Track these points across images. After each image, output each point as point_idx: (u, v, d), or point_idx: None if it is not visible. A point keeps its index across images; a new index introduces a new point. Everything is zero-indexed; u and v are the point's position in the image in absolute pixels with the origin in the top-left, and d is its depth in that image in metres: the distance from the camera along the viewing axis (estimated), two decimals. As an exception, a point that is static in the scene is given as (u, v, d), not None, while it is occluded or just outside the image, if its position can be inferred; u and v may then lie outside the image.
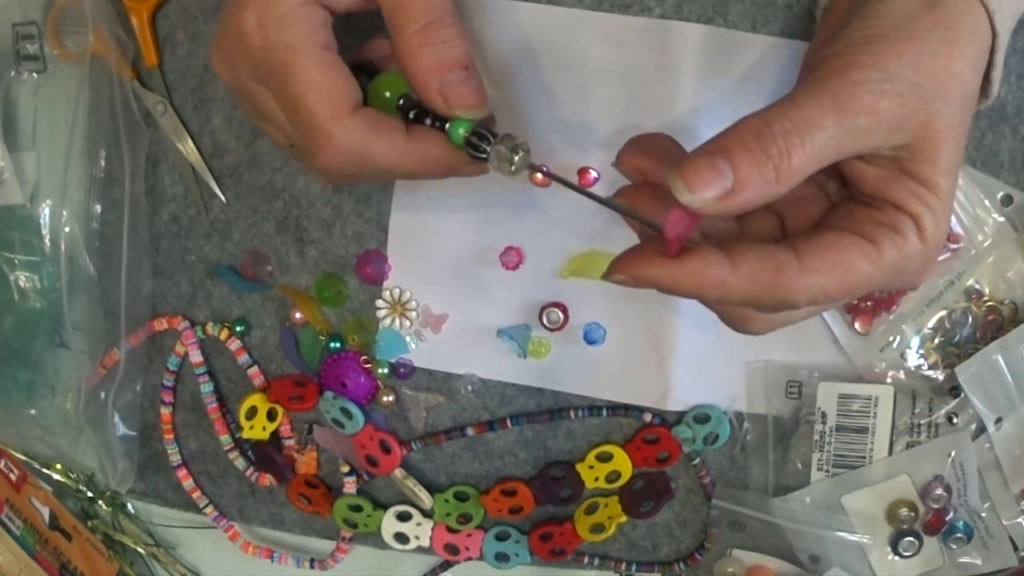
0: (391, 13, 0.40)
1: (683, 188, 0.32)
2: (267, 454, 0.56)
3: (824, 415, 0.51)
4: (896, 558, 0.53)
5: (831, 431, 0.51)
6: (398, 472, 0.55)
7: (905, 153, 0.34)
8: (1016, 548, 0.52)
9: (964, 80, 0.35)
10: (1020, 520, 0.52)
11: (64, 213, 0.54)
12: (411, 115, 0.41)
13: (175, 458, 0.58)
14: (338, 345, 0.54)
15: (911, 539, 0.52)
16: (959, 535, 0.52)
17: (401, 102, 0.42)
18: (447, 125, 0.40)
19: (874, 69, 0.33)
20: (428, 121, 0.41)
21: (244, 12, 0.39)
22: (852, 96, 0.33)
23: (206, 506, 0.59)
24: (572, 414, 0.53)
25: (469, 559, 0.57)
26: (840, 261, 0.33)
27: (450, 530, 0.56)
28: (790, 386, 0.51)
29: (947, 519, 0.52)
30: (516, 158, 0.39)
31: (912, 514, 0.52)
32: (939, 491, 0.51)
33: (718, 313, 0.39)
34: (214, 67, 0.42)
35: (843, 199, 0.37)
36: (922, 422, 0.51)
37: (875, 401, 0.50)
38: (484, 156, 0.40)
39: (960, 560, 0.53)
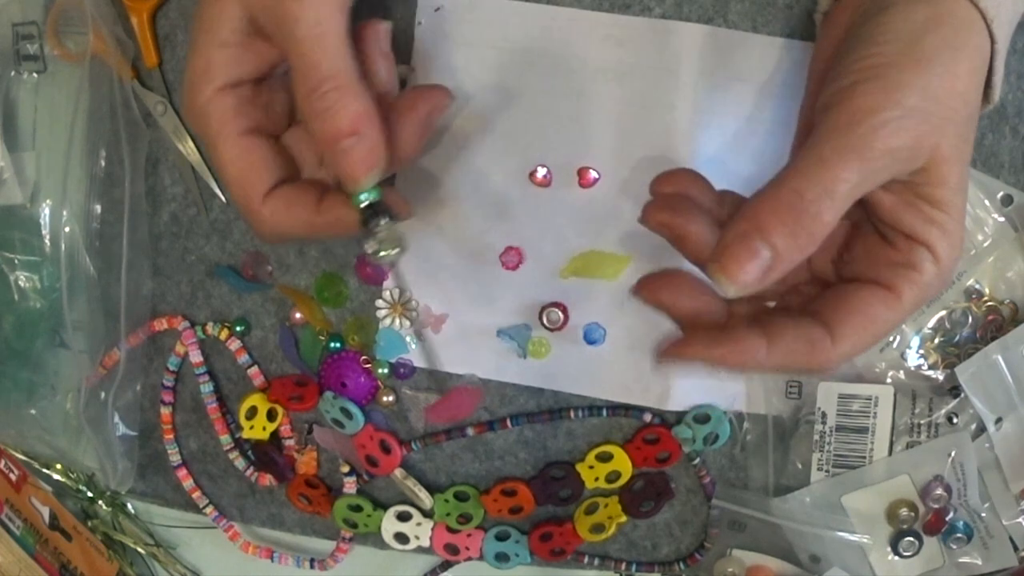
0: (294, 73, 0.39)
1: (727, 282, 0.33)
2: (267, 454, 0.56)
3: (824, 415, 0.51)
4: (896, 558, 0.53)
5: (831, 431, 0.51)
6: (398, 472, 0.55)
7: (918, 178, 0.35)
8: (1016, 548, 0.52)
9: (968, 98, 0.35)
10: (1020, 520, 0.52)
11: (64, 213, 0.54)
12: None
13: (175, 458, 0.58)
14: (338, 345, 0.54)
15: (911, 539, 0.52)
16: (959, 535, 0.52)
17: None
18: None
19: (889, 108, 0.33)
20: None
21: (183, 98, 0.41)
22: (873, 142, 0.33)
23: (206, 506, 0.59)
24: (572, 414, 0.53)
25: (469, 559, 0.57)
26: (867, 321, 0.35)
27: (450, 530, 0.56)
28: (790, 386, 0.51)
29: (947, 519, 0.52)
30: (380, 254, 0.40)
31: (912, 514, 0.52)
32: (939, 491, 0.51)
33: None
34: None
35: (862, 231, 0.38)
36: (922, 422, 0.51)
37: (875, 401, 0.50)
38: (368, 230, 0.40)
39: (960, 560, 0.53)
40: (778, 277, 0.33)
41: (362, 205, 0.40)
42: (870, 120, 0.33)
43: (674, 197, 0.39)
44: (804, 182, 0.33)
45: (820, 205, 0.32)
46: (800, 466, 0.52)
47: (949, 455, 0.51)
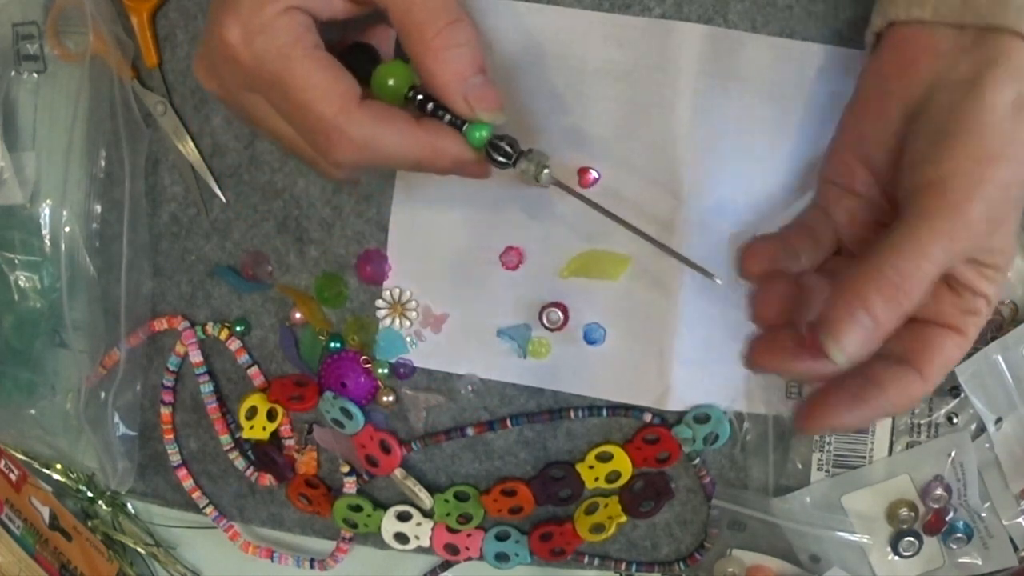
0: (402, 15, 0.39)
1: (839, 351, 0.36)
2: (267, 454, 0.56)
3: None
4: (896, 558, 0.53)
5: (831, 431, 0.51)
6: (398, 472, 0.55)
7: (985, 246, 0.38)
8: (1016, 548, 0.52)
9: None
10: (1020, 520, 0.52)
11: (64, 213, 0.54)
12: (428, 108, 0.42)
13: (175, 458, 0.58)
14: (338, 345, 0.54)
15: (911, 539, 0.52)
16: (959, 535, 0.52)
17: (411, 93, 0.42)
18: (465, 126, 0.41)
19: (982, 202, 0.36)
20: (446, 118, 0.41)
21: (228, 26, 0.39)
22: (962, 230, 0.36)
23: (206, 506, 0.59)
24: (572, 414, 0.53)
25: (469, 559, 0.57)
26: (947, 361, 0.40)
27: (450, 530, 0.56)
28: (790, 386, 0.51)
29: (947, 519, 0.52)
30: (543, 174, 0.42)
31: (912, 514, 0.52)
32: (939, 491, 0.51)
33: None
34: (199, 79, 0.42)
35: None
36: (922, 422, 0.51)
37: None
38: (506, 162, 0.42)
39: (960, 560, 0.53)
40: (877, 345, 0.37)
41: (489, 139, 0.41)
42: (961, 213, 0.36)
43: (774, 338, 0.42)
44: (902, 261, 0.36)
45: (915, 281, 0.36)
46: (800, 466, 0.52)
47: (949, 455, 0.51)
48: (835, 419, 0.40)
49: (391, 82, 0.42)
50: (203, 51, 0.42)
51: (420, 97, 0.42)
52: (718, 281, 0.43)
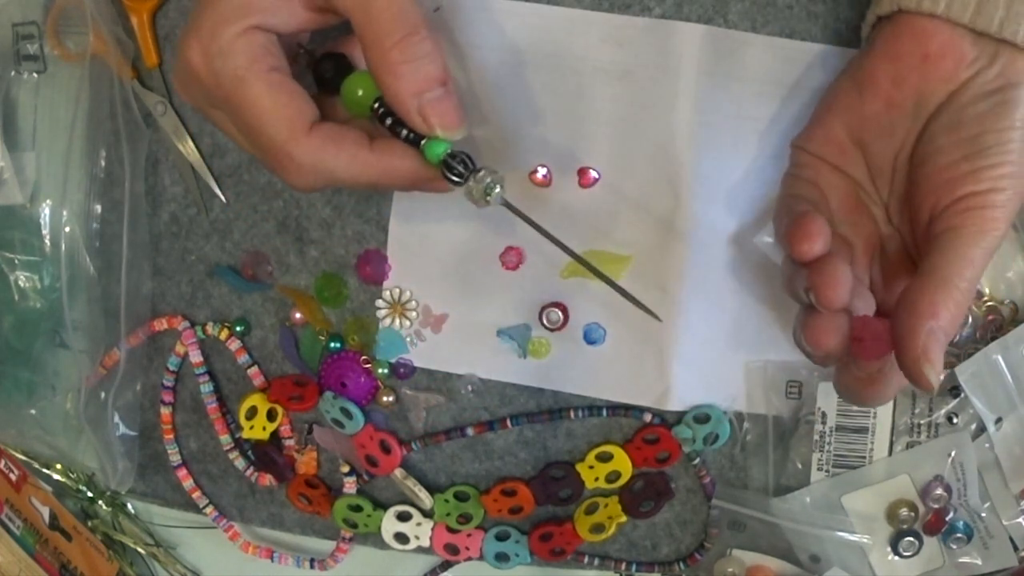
0: (363, 26, 0.39)
1: (934, 374, 0.37)
2: (267, 454, 0.56)
3: (824, 415, 0.51)
4: (896, 558, 0.53)
5: (831, 431, 0.51)
6: (398, 472, 0.55)
7: None
8: (1016, 548, 0.52)
9: None
10: (1020, 520, 0.52)
11: (64, 213, 0.54)
12: (387, 122, 0.41)
13: (175, 458, 0.58)
14: (338, 345, 0.54)
15: (911, 539, 0.52)
16: (959, 535, 0.52)
17: (376, 105, 0.42)
18: (423, 142, 0.40)
19: (1015, 214, 0.39)
20: (404, 133, 0.41)
21: (189, 46, 0.39)
22: (998, 237, 0.39)
23: (206, 506, 0.59)
24: (572, 414, 0.53)
25: (469, 559, 0.57)
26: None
27: (450, 530, 0.56)
28: (790, 386, 0.51)
29: (947, 519, 0.52)
30: (493, 193, 0.41)
31: (912, 514, 0.52)
32: (939, 491, 0.51)
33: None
34: (178, 92, 0.43)
35: None
36: (922, 422, 0.51)
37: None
38: (459, 181, 0.40)
39: (960, 560, 0.53)
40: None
41: (446, 154, 0.40)
42: (1000, 228, 0.38)
43: (832, 319, 0.40)
44: (957, 275, 0.38)
45: (969, 291, 0.38)
46: (800, 466, 0.52)
47: (949, 455, 0.51)
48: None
49: (360, 93, 0.42)
50: (175, 66, 0.42)
51: (383, 110, 0.41)
52: (660, 320, 0.44)
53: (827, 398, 0.51)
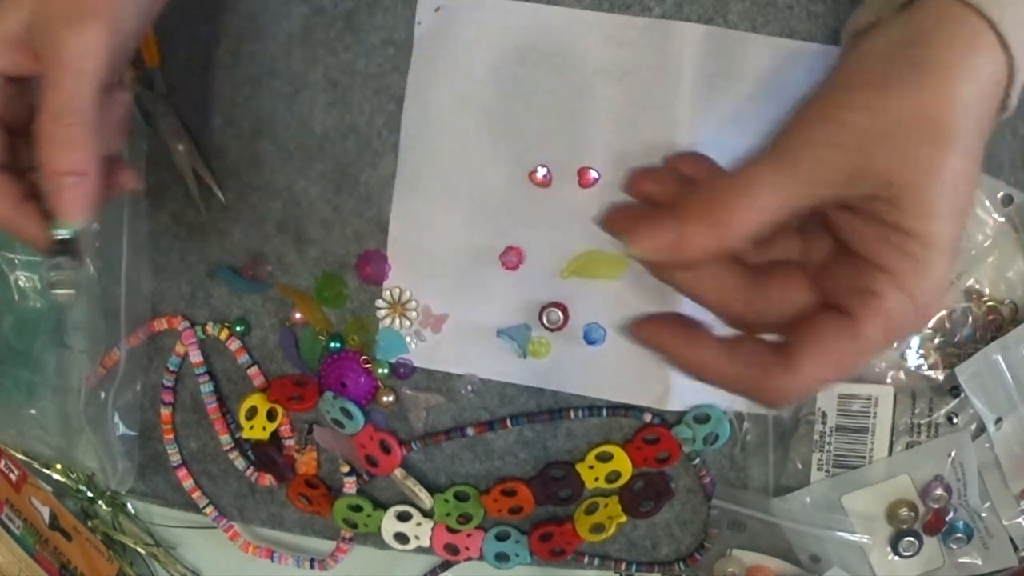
0: (41, 88, 0.40)
1: (628, 241, 0.34)
2: (267, 454, 0.56)
3: (824, 415, 0.51)
4: (896, 558, 0.53)
5: (831, 431, 0.51)
6: (398, 472, 0.55)
7: (880, 205, 0.33)
8: (1016, 548, 0.52)
9: (950, 120, 0.33)
10: (1020, 520, 0.52)
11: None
12: None
13: (175, 458, 0.58)
14: (338, 345, 0.54)
15: (911, 539, 0.52)
16: (959, 535, 0.52)
17: None
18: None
19: (825, 122, 0.33)
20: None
21: None
22: (794, 153, 0.33)
23: (206, 506, 0.59)
24: (572, 414, 0.53)
25: (469, 559, 0.57)
26: (825, 351, 0.33)
27: (450, 530, 0.56)
28: None
29: (947, 519, 0.52)
30: (58, 292, 0.42)
31: (912, 514, 0.52)
32: (939, 491, 0.51)
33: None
34: None
35: (838, 252, 0.36)
36: (922, 422, 0.51)
37: (875, 401, 0.50)
38: (52, 264, 0.42)
39: (960, 560, 0.53)
40: (690, 259, 0.34)
41: (57, 237, 0.41)
42: (803, 133, 0.33)
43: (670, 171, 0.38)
44: (732, 189, 0.33)
45: (733, 199, 0.33)
46: (800, 466, 0.52)
47: (949, 455, 0.51)
48: (656, 337, 0.38)
49: None
50: None
51: None
52: None
53: (827, 398, 0.51)
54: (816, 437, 0.51)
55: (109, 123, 0.43)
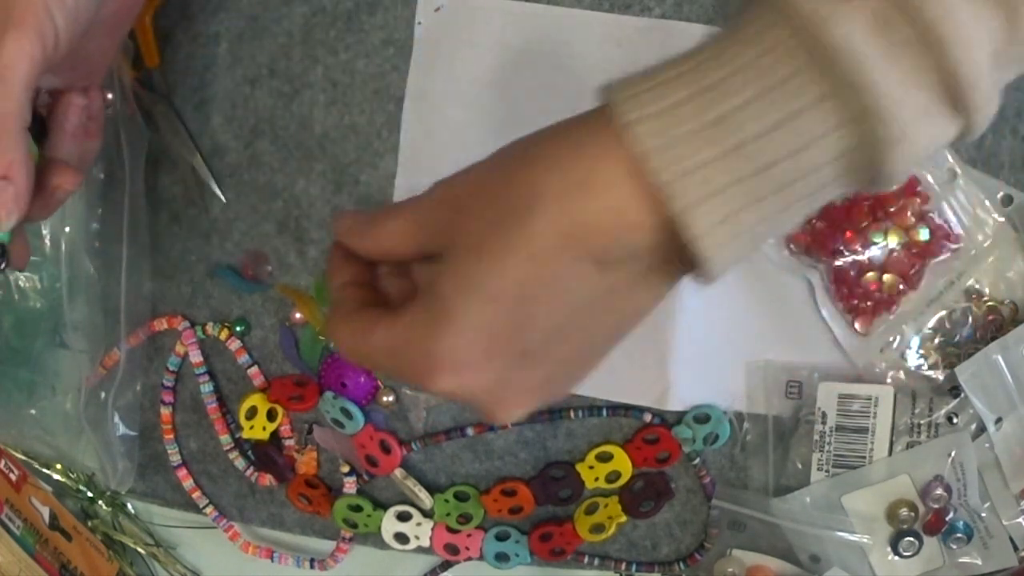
0: None
1: None
2: (267, 454, 0.56)
3: (824, 415, 0.51)
4: (896, 558, 0.53)
5: (831, 431, 0.51)
6: (398, 472, 0.55)
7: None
8: (1016, 548, 0.52)
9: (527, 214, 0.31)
10: (1020, 520, 0.52)
11: (64, 213, 0.54)
12: None
13: (175, 458, 0.58)
14: (338, 345, 0.54)
15: (911, 539, 0.52)
16: (959, 535, 0.52)
17: None
18: None
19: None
20: None
21: None
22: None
23: (206, 506, 0.59)
24: (572, 414, 0.53)
25: (469, 559, 0.57)
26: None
27: (450, 530, 0.56)
28: (790, 386, 0.51)
29: (947, 519, 0.52)
30: None
31: (912, 514, 0.52)
32: (939, 491, 0.51)
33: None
34: None
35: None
36: (922, 422, 0.51)
37: (875, 401, 0.50)
38: None
39: (960, 560, 0.53)
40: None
41: None
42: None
43: None
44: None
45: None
46: (800, 466, 0.52)
47: (949, 455, 0.51)
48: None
49: None
50: None
51: None
52: None
53: (827, 398, 0.51)
54: (816, 437, 0.51)
55: (64, 128, 0.44)
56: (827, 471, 0.52)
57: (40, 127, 0.45)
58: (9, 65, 0.39)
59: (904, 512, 0.52)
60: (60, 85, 0.45)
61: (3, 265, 0.42)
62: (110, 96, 0.47)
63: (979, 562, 0.53)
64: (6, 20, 0.40)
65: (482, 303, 0.31)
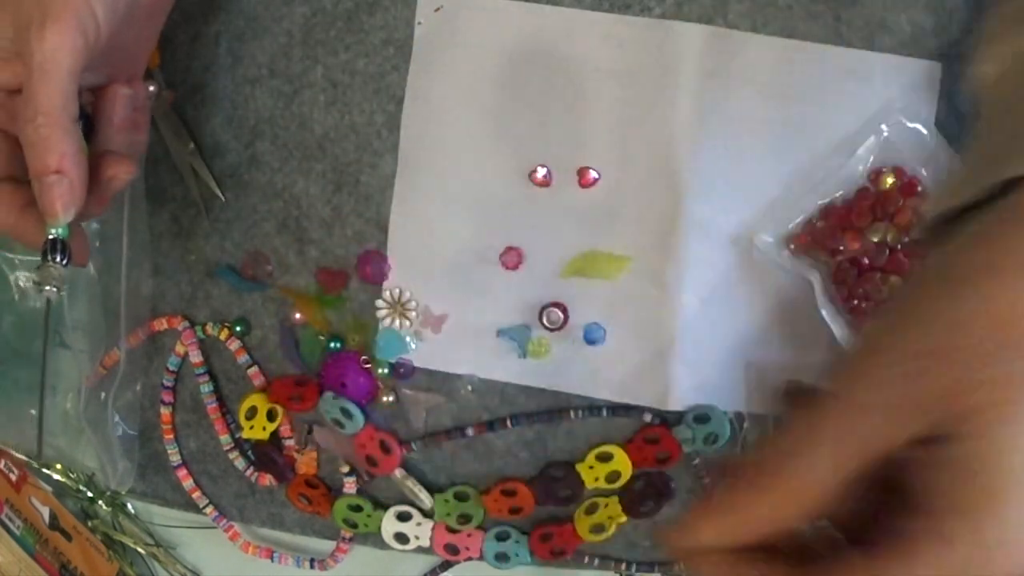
0: (21, 94, 0.41)
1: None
2: (267, 454, 0.56)
3: None
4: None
5: None
6: (398, 472, 0.55)
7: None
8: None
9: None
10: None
11: (64, 213, 0.54)
12: None
13: (175, 458, 0.58)
14: (338, 345, 0.54)
15: None
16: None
17: None
18: None
19: (887, 351, 0.28)
20: None
21: None
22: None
23: (206, 506, 0.59)
24: (572, 414, 0.53)
25: (469, 559, 0.57)
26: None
27: (450, 530, 0.56)
28: (790, 385, 0.51)
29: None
30: (44, 289, 0.42)
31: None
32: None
33: None
34: None
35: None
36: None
37: None
38: (41, 263, 0.42)
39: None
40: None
41: (48, 236, 0.42)
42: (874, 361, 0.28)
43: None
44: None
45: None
46: None
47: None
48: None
49: None
50: None
51: None
52: None
53: None
54: None
55: (111, 120, 0.44)
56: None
57: (86, 124, 0.45)
58: (52, 58, 0.40)
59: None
60: (103, 81, 0.45)
61: (65, 261, 0.42)
62: (152, 88, 0.46)
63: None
64: (45, 13, 0.40)
65: None
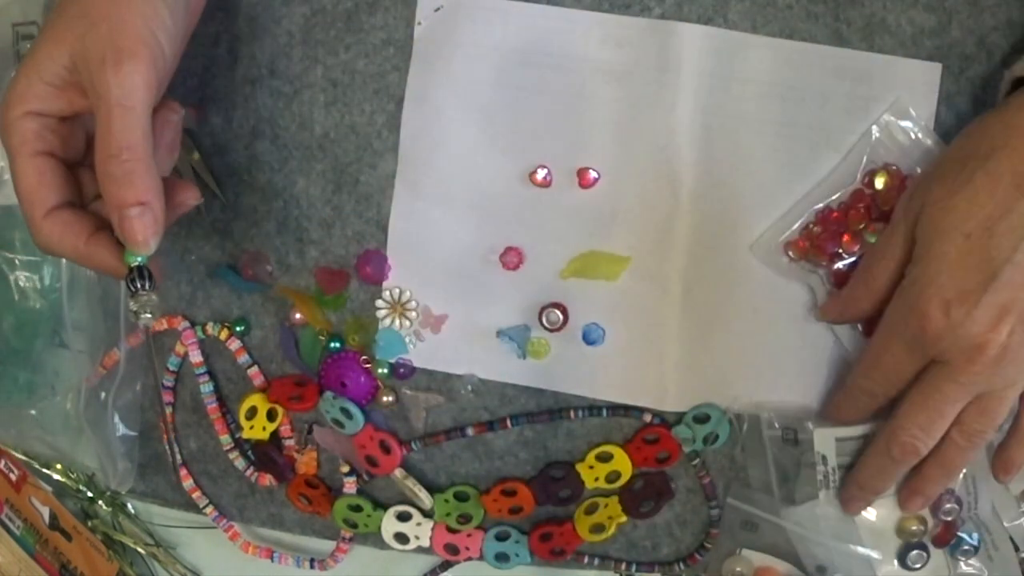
0: (97, 127, 0.42)
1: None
2: (267, 454, 0.56)
3: (824, 458, 0.50)
4: (903, 571, 0.52)
5: (834, 470, 0.50)
6: (398, 472, 0.55)
7: None
8: (1017, 549, 0.52)
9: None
10: (1021, 521, 0.52)
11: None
12: None
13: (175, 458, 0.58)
14: (338, 345, 0.54)
15: (919, 552, 0.51)
16: (967, 547, 0.52)
17: None
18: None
19: None
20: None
21: None
22: None
23: (206, 506, 0.59)
24: (572, 414, 0.53)
25: (469, 559, 0.57)
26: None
27: (450, 530, 0.56)
28: (786, 432, 0.51)
29: (956, 532, 0.51)
30: (141, 317, 0.44)
31: (922, 527, 0.51)
32: (950, 504, 0.51)
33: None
34: None
35: None
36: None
37: (870, 438, 0.49)
38: (132, 291, 0.44)
39: (965, 571, 0.52)
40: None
41: (132, 265, 0.44)
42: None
43: None
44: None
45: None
46: (808, 498, 0.51)
47: (962, 470, 0.50)
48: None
49: None
50: None
51: None
52: None
53: (824, 443, 0.49)
54: (820, 477, 0.50)
55: (161, 145, 0.46)
56: (836, 491, 0.51)
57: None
58: (130, 94, 0.42)
59: (914, 526, 0.51)
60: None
61: (148, 285, 0.44)
62: (184, 110, 0.48)
63: (985, 573, 0.52)
64: (119, 49, 0.42)
65: (960, 239, 0.42)
